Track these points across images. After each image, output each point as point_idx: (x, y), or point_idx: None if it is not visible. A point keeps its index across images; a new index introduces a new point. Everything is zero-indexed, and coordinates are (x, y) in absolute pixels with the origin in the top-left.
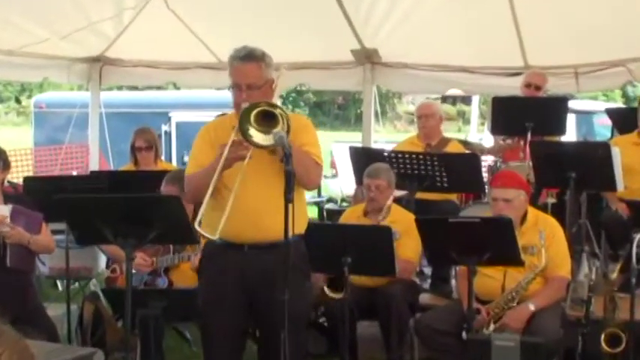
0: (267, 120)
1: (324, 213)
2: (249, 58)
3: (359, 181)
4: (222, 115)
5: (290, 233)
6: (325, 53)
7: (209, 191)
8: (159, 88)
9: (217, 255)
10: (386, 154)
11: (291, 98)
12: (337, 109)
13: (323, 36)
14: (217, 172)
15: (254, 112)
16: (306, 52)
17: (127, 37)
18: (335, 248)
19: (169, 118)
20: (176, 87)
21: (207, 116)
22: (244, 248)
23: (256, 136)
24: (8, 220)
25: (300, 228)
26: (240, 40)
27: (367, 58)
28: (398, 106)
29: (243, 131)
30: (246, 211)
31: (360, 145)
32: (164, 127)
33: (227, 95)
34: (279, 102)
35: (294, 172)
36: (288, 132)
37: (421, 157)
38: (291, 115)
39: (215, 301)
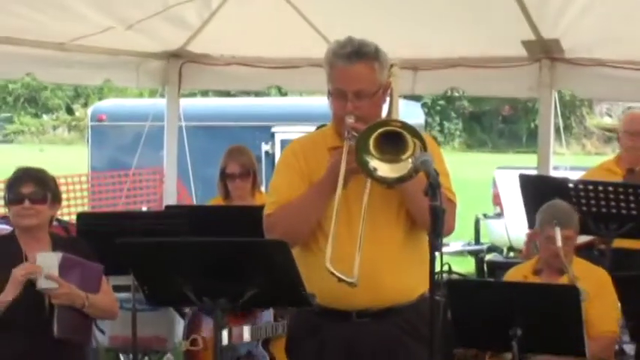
0: (391, 143)
1: (484, 266)
2: (358, 56)
3: (532, 222)
4: (321, 127)
5: (414, 293)
6: (485, 46)
7: (332, 223)
8: (258, 94)
9: (314, 327)
10: (571, 185)
11: (438, 107)
12: (502, 123)
13: (482, 22)
14: (338, 191)
15: (374, 136)
16: (457, 44)
17: (215, 25)
18: (498, 316)
19: (272, 135)
20: (281, 93)
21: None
22: (352, 316)
23: (381, 168)
24: (57, 272)
25: (425, 284)
26: (371, 29)
27: (545, 52)
28: (588, 118)
29: (363, 165)
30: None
31: (534, 172)
32: (265, 147)
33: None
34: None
35: (441, 210)
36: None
37: (622, 189)
38: None
39: None
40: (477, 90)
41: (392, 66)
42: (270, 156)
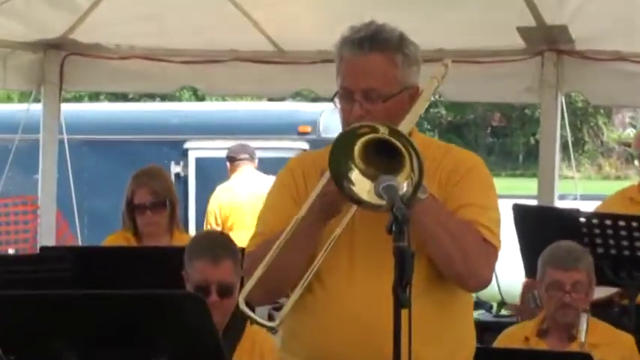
0: (386, 157)
1: None
2: (372, 43)
3: (531, 268)
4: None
5: None
6: (468, 35)
7: (303, 281)
8: (166, 98)
9: None
10: (583, 219)
11: None
12: (491, 137)
13: (464, 5)
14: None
15: (362, 141)
16: (431, 33)
17: (109, 6)
18: None
19: (185, 152)
20: (198, 96)
21: (257, 149)
22: None
23: (360, 184)
24: None
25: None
26: (319, 13)
27: (548, 42)
28: (605, 130)
29: (337, 174)
30: (354, 323)
31: (533, 201)
32: (175, 168)
33: (294, 112)
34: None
35: (408, 253)
36: (417, 183)
37: None
38: (445, 148)
39: None
40: (457, 93)
41: (445, 65)
42: (182, 180)
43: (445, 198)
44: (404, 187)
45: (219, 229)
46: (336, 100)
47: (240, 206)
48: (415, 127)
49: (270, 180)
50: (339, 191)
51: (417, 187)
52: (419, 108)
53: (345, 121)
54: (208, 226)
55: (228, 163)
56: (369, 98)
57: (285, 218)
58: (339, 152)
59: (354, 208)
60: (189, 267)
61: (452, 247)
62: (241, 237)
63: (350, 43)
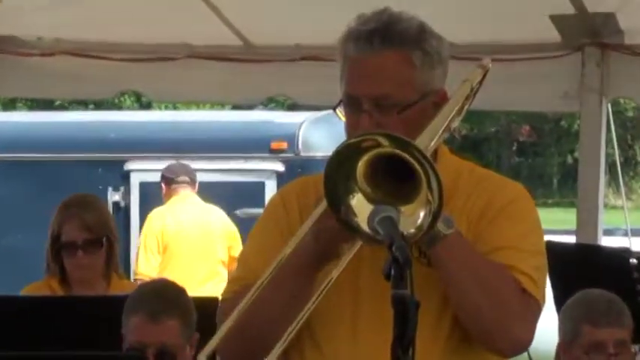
0: (398, 178)
1: None
2: (384, 37)
3: (570, 325)
4: None
5: None
6: (488, 26)
7: (282, 341)
8: (102, 105)
9: None
10: (634, 260)
11: None
12: (518, 155)
13: None
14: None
15: (368, 156)
16: (441, 24)
17: None
18: None
19: (126, 175)
20: (142, 104)
21: (220, 171)
22: None
23: (363, 212)
24: None
25: None
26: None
27: (590, 34)
28: None
29: (334, 198)
30: None
31: (571, 238)
32: (113, 195)
33: (266, 123)
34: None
35: (412, 302)
36: (437, 211)
37: None
38: (479, 176)
39: None
40: (475, 100)
41: (484, 67)
42: (122, 210)
43: (476, 239)
44: (420, 216)
45: (159, 258)
46: (340, 110)
47: (187, 235)
48: (444, 144)
49: (216, 211)
50: (338, 222)
51: (435, 216)
52: (442, 118)
53: (352, 133)
54: (149, 255)
55: (163, 185)
56: (381, 107)
57: (272, 259)
58: (338, 171)
59: (358, 243)
60: (125, 324)
61: (481, 298)
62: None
63: (356, 37)
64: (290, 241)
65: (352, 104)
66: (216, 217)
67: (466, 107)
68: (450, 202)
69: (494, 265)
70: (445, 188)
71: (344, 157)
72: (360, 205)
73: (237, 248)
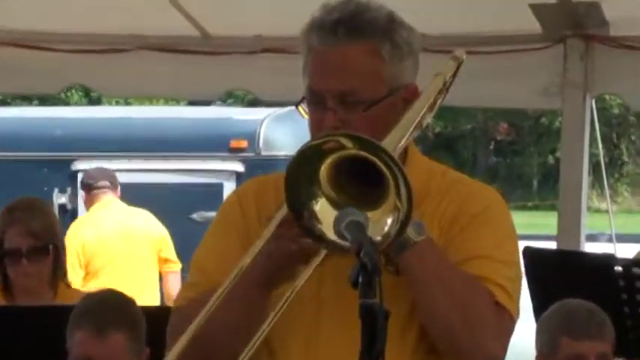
0: (365, 181)
1: None
2: (350, 28)
3: (547, 337)
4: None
5: None
6: (463, 16)
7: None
8: (46, 100)
9: None
10: (619, 268)
11: None
12: (495, 155)
13: None
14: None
15: (332, 159)
16: (414, 15)
17: None
18: None
19: (73, 176)
20: (90, 98)
21: (175, 172)
22: None
23: (327, 217)
24: None
25: None
26: None
27: (573, 25)
28: None
29: (295, 202)
30: None
31: (552, 244)
32: (59, 198)
33: (224, 120)
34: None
35: (381, 311)
36: (405, 217)
37: None
38: (452, 179)
39: None
40: (448, 96)
41: (458, 60)
42: (69, 214)
43: (447, 245)
44: (387, 222)
45: (81, 273)
46: (303, 106)
47: (110, 245)
48: (414, 144)
49: (141, 214)
50: (300, 229)
51: (404, 223)
52: (413, 115)
53: (316, 132)
54: (72, 272)
55: (82, 192)
56: (347, 104)
57: (230, 265)
58: (299, 175)
59: (317, 259)
60: (70, 338)
61: (451, 311)
62: (112, 283)
63: (319, 27)
64: (249, 251)
65: (315, 100)
66: (142, 221)
67: (439, 103)
68: (420, 205)
69: (467, 276)
70: (415, 192)
71: (305, 160)
72: (324, 211)
73: (168, 251)
